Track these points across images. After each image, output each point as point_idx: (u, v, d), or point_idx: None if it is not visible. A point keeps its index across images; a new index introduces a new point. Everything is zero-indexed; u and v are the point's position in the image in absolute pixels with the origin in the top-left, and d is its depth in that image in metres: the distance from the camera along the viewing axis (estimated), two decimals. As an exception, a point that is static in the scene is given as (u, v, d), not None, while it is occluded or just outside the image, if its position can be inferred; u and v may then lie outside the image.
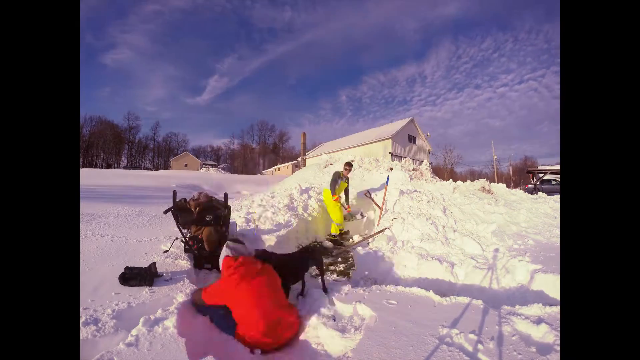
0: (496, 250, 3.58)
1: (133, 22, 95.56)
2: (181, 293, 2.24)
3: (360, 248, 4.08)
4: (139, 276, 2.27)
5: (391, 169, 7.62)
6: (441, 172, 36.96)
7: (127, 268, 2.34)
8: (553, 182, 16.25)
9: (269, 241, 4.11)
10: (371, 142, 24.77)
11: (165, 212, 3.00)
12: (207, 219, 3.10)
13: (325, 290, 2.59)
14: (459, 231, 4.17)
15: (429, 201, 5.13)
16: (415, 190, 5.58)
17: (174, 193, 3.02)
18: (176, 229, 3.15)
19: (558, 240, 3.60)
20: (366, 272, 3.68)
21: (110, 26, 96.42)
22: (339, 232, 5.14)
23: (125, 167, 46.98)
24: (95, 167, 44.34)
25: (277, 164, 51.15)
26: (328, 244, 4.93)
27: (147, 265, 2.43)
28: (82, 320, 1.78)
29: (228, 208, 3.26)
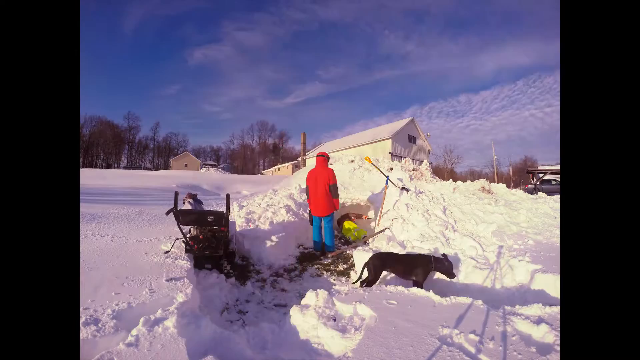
0: (496, 250, 3.58)
1: (258, 20, 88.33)
2: (181, 293, 2.24)
3: (360, 248, 4.08)
4: None
5: (391, 169, 7.62)
6: (441, 172, 36.96)
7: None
8: (553, 182, 16.23)
9: (269, 241, 4.11)
10: (371, 142, 24.77)
11: (167, 213, 3.00)
12: (209, 219, 3.10)
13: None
14: (459, 231, 4.17)
15: (429, 201, 5.13)
16: (420, 192, 5.57)
17: (176, 194, 3.02)
18: (176, 229, 3.15)
19: (558, 240, 3.60)
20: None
21: (228, 19, 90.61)
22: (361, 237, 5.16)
23: (125, 167, 46.96)
24: (95, 167, 44.35)
25: (277, 164, 51.13)
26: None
27: None
28: (82, 320, 1.78)
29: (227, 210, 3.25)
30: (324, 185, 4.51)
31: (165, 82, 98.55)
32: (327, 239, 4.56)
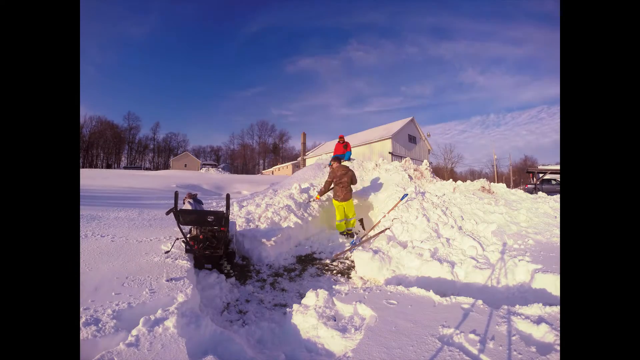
0: (496, 250, 3.58)
1: (381, 45, 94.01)
2: (181, 293, 2.24)
3: (360, 249, 4.08)
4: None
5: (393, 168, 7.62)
6: (441, 172, 36.96)
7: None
8: (553, 182, 16.24)
9: (269, 241, 4.11)
10: (371, 142, 24.77)
11: (168, 213, 3.00)
12: (209, 219, 3.10)
13: None
14: (459, 231, 4.17)
15: (431, 201, 5.13)
16: (420, 192, 5.57)
17: (176, 194, 3.02)
18: (176, 228, 3.15)
19: (558, 240, 3.60)
20: (366, 273, 3.68)
21: (357, 40, 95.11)
22: (343, 230, 5.20)
23: (125, 167, 46.97)
24: (95, 167, 44.36)
25: (277, 164, 51.13)
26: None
27: None
28: (82, 320, 1.78)
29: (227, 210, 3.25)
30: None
31: (249, 85, 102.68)
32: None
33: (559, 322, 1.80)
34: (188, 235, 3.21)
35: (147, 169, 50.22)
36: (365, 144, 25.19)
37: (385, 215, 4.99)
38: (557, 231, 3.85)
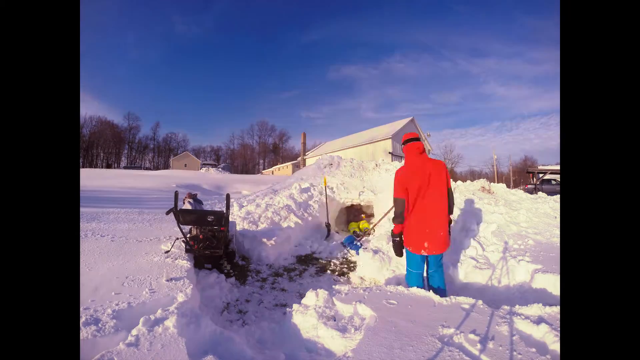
0: (496, 250, 3.58)
1: (423, 60, 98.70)
2: (181, 293, 2.24)
3: (361, 249, 4.08)
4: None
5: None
6: (441, 172, 36.89)
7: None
8: (553, 182, 16.26)
9: (269, 241, 4.11)
10: (371, 142, 24.78)
11: (167, 212, 3.00)
12: (209, 219, 3.10)
13: None
14: (459, 231, 4.17)
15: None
16: None
17: (176, 194, 3.02)
18: (176, 228, 3.15)
19: (558, 240, 3.60)
20: (366, 273, 3.68)
21: (400, 53, 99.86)
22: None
23: (125, 167, 46.96)
24: (95, 167, 44.35)
25: (277, 164, 51.13)
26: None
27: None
28: (82, 320, 1.78)
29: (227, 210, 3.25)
30: (442, 192, 2.59)
31: (286, 88, 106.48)
32: (441, 283, 2.71)
33: (559, 322, 1.80)
34: (188, 235, 3.21)
35: (147, 168, 50.20)
36: (366, 144, 25.19)
37: (385, 216, 4.99)
38: (557, 231, 3.85)
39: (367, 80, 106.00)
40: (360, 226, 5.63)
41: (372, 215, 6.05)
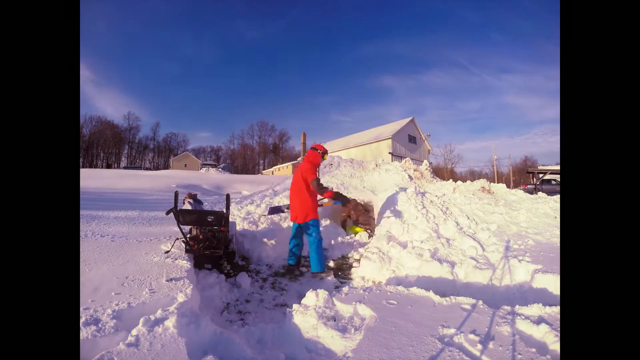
0: (496, 250, 3.58)
1: (457, 75, 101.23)
2: (181, 293, 2.23)
3: (361, 250, 4.08)
4: None
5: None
6: (441, 172, 36.95)
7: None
8: (553, 182, 16.26)
9: (269, 241, 4.11)
10: (371, 142, 24.79)
11: (167, 213, 3.00)
12: (209, 219, 3.10)
13: None
14: (459, 231, 4.17)
15: (430, 201, 5.13)
16: (421, 192, 5.57)
17: (176, 194, 3.02)
18: (176, 228, 3.15)
19: (558, 240, 3.60)
20: (366, 273, 3.68)
21: (440, 69, 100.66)
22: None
23: (125, 167, 46.95)
24: (95, 167, 44.37)
25: (277, 164, 51.13)
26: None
27: None
28: (82, 320, 1.78)
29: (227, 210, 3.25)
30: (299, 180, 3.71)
31: (322, 93, 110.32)
32: (311, 257, 3.60)
33: (559, 322, 1.80)
34: (188, 235, 3.21)
35: (147, 168, 50.21)
36: (366, 144, 25.19)
37: (384, 216, 4.99)
38: (557, 231, 3.85)
39: (403, 90, 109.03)
40: (355, 231, 5.56)
41: (370, 217, 6.02)
